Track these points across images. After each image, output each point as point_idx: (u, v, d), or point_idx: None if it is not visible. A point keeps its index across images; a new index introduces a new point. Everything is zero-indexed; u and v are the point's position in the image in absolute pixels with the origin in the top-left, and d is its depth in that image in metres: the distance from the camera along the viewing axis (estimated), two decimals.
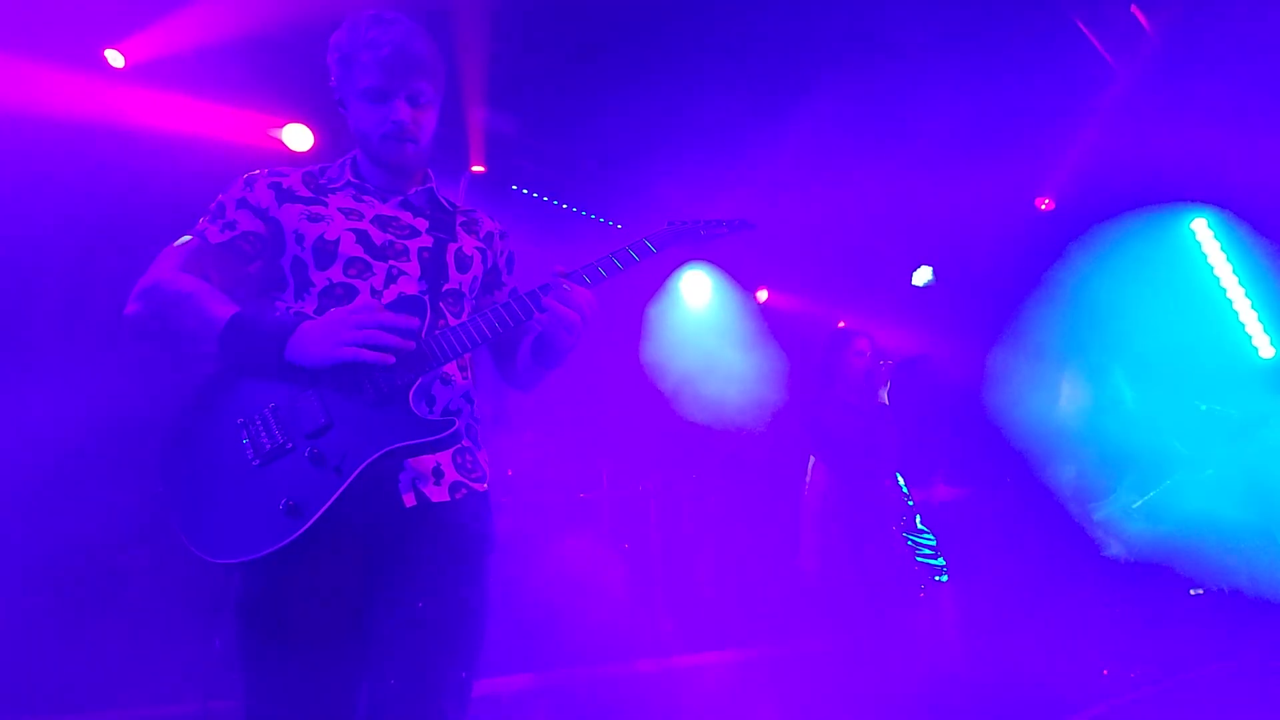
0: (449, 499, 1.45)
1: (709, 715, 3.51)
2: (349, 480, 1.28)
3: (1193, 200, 5.26)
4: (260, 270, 1.52)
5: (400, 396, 1.36)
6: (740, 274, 6.53)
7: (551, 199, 5.63)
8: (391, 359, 1.33)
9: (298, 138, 4.23)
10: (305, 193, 1.55)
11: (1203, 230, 5.33)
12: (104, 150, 3.71)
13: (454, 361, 1.51)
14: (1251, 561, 3.76)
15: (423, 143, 1.58)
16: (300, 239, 1.48)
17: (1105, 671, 3.74)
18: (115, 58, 3.73)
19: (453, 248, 1.59)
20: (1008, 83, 4.45)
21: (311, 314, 1.45)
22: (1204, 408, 4.40)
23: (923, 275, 6.27)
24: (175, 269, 1.44)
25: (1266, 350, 5.08)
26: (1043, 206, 5.71)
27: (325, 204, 1.54)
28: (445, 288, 1.55)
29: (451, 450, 1.48)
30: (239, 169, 1.58)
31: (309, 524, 1.24)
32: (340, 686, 1.33)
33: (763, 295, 6.83)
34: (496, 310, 1.47)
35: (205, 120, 4.05)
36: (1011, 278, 5.55)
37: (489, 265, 1.68)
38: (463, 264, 1.59)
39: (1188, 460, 4.11)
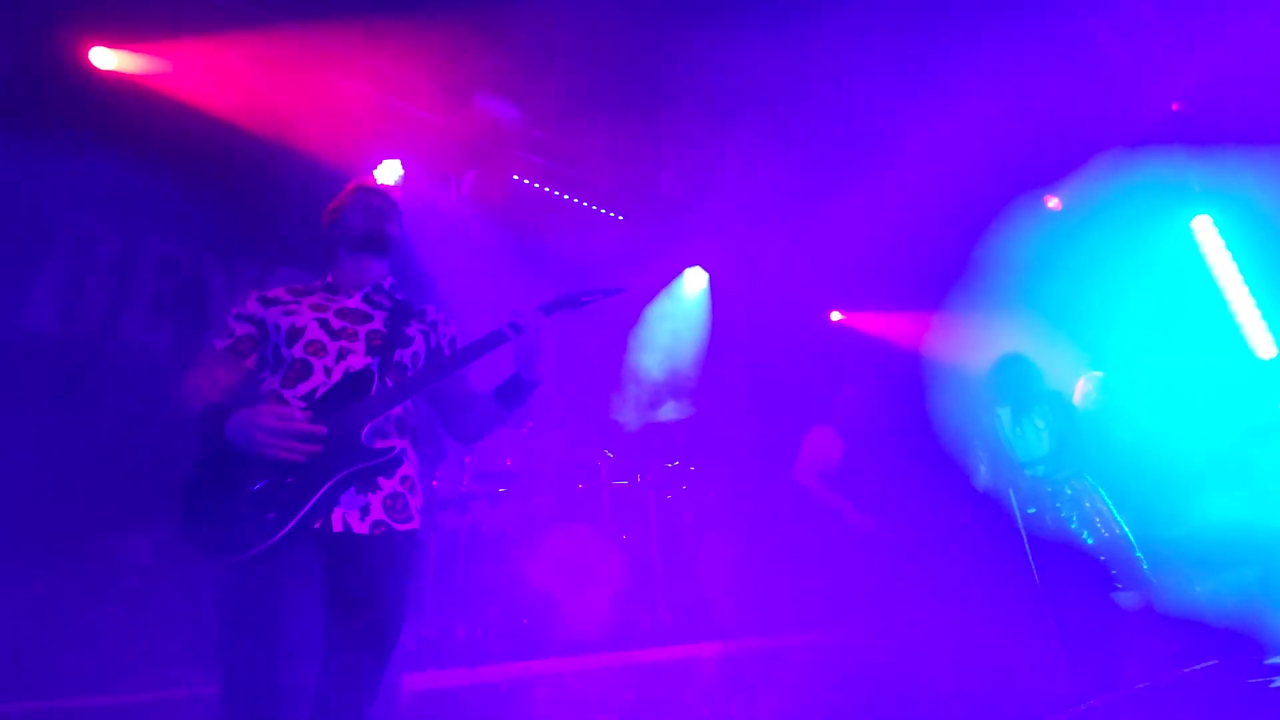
0: (367, 534, 1.82)
1: (706, 706, 3.55)
2: (315, 499, 1.72)
3: (1196, 199, 5.25)
4: (255, 362, 1.95)
5: (354, 434, 1.79)
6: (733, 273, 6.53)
7: (554, 190, 5.63)
8: (301, 458, 1.72)
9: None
10: (286, 298, 2.01)
11: (1205, 229, 5.32)
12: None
13: (400, 421, 1.94)
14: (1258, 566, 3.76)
15: (395, 241, 2.10)
16: (278, 329, 1.94)
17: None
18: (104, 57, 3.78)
19: (399, 329, 2.01)
20: (1013, 80, 4.44)
21: (278, 385, 1.88)
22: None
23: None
24: (194, 374, 1.89)
25: (1267, 350, 5.08)
26: (1050, 204, 5.71)
27: (299, 303, 2.00)
28: (391, 360, 1.96)
29: (383, 495, 1.86)
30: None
31: (285, 530, 1.68)
32: (291, 650, 1.69)
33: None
34: (436, 362, 1.95)
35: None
36: (1015, 274, 5.55)
37: (432, 345, 2.09)
38: (404, 342, 2.01)
39: (1195, 469, 4.09)
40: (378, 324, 2.01)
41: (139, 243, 4.04)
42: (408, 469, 1.94)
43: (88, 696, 2.62)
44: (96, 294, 3.88)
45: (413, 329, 2.06)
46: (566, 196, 5.70)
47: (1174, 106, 4.87)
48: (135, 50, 3.98)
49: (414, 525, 1.91)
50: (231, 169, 4.17)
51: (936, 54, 4.41)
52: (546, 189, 5.58)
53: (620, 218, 6.00)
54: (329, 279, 2.10)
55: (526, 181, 5.48)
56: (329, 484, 1.73)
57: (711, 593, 4.52)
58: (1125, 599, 3.58)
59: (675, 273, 6.41)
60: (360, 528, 1.81)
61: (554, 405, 4.62)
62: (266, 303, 1.99)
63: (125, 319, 3.93)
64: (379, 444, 1.85)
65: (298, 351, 1.89)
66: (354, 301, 2.04)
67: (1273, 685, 2.93)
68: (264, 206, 4.30)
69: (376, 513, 1.84)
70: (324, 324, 1.94)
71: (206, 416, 1.76)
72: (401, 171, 4.86)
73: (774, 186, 5.51)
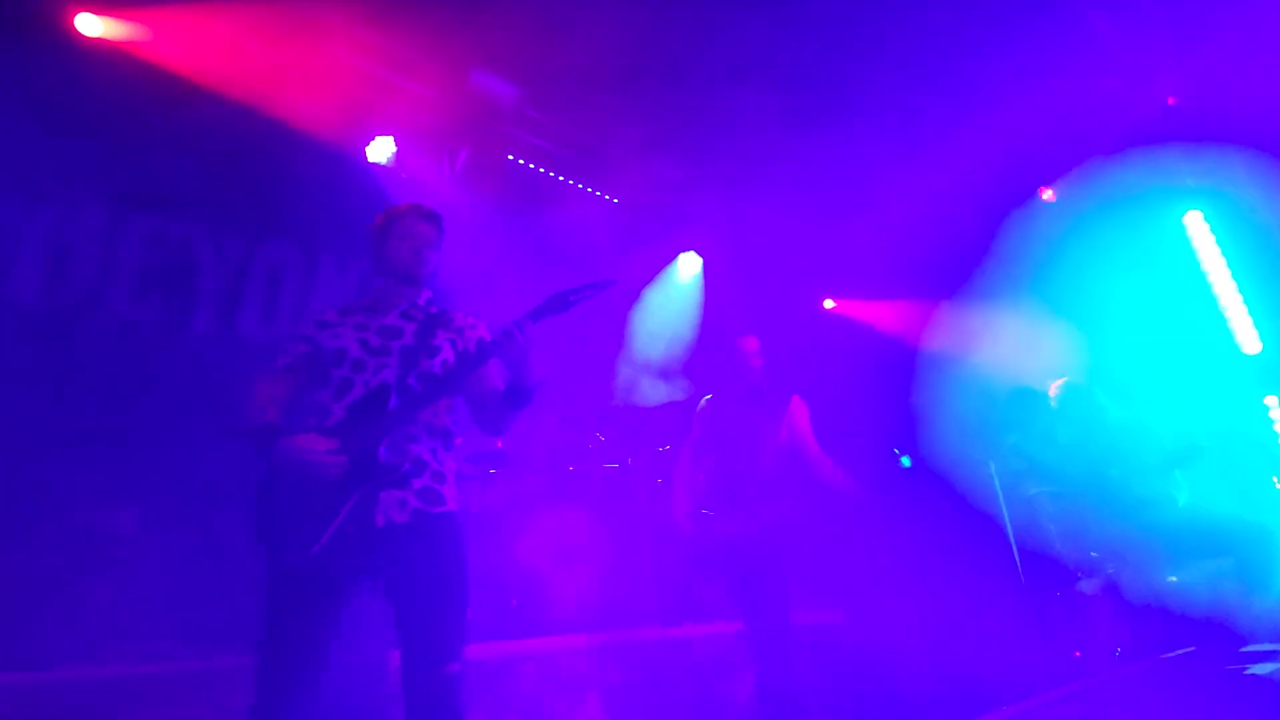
0: (408, 521, 2.10)
1: (692, 686, 3.58)
2: (341, 516, 2.00)
3: (1189, 194, 5.28)
4: (308, 378, 2.24)
5: (372, 451, 2.05)
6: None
7: (549, 171, 5.59)
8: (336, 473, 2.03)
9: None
10: (335, 321, 2.29)
11: (1196, 224, 5.35)
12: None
13: (429, 425, 2.18)
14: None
15: (430, 264, 2.34)
16: (325, 350, 2.22)
17: (1078, 653, 3.83)
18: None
19: (426, 340, 2.25)
20: (1009, 73, 4.43)
21: (329, 399, 2.15)
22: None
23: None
24: (257, 385, 2.21)
25: (1252, 345, 5.13)
26: (1045, 197, 5.73)
27: (344, 324, 2.28)
28: (420, 370, 2.20)
29: (416, 489, 2.12)
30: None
31: (323, 541, 1.99)
32: (323, 630, 2.04)
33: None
34: (439, 378, 2.20)
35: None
36: (1007, 266, 5.57)
37: (459, 350, 2.29)
38: (431, 351, 2.24)
39: (1174, 461, 4.12)
40: (408, 338, 2.26)
41: (126, 215, 3.98)
42: (435, 465, 2.19)
43: (73, 668, 2.62)
44: (82, 266, 3.82)
45: (440, 339, 2.28)
46: (561, 178, 5.66)
47: (1170, 101, 4.88)
48: (122, 17, 3.91)
49: (448, 508, 2.19)
50: (221, 142, 4.11)
51: (934, 45, 4.40)
52: (541, 169, 5.54)
53: (615, 200, 5.97)
54: (370, 300, 2.36)
55: (521, 161, 5.44)
56: (351, 501, 2.02)
57: (699, 575, 4.55)
58: (1087, 586, 3.69)
59: (669, 257, 6.39)
60: (401, 518, 2.09)
61: (545, 387, 4.60)
62: (321, 325, 2.30)
63: (111, 291, 3.88)
64: (395, 458, 2.11)
65: (345, 370, 2.18)
66: (391, 319, 2.30)
67: (1248, 672, 2.99)
68: (253, 180, 4.25)
69: (413, 503, 2.12)
70: (364, 343, 2.22)
71: (263, 436, 2.09)
72: (394, 148, 4.80)
73: (771, 172, 5.49)
